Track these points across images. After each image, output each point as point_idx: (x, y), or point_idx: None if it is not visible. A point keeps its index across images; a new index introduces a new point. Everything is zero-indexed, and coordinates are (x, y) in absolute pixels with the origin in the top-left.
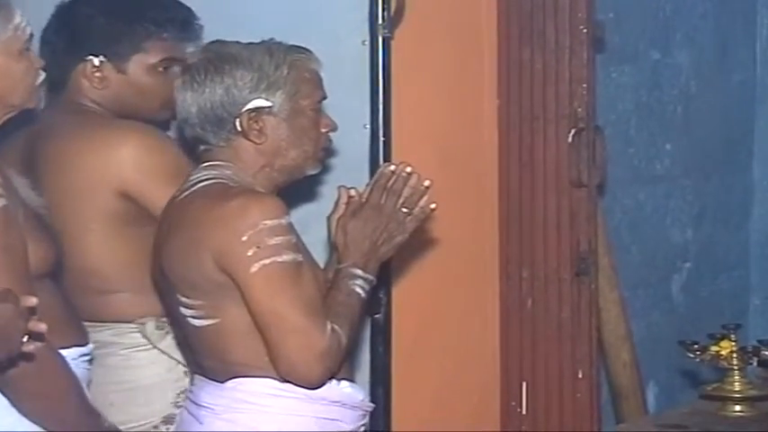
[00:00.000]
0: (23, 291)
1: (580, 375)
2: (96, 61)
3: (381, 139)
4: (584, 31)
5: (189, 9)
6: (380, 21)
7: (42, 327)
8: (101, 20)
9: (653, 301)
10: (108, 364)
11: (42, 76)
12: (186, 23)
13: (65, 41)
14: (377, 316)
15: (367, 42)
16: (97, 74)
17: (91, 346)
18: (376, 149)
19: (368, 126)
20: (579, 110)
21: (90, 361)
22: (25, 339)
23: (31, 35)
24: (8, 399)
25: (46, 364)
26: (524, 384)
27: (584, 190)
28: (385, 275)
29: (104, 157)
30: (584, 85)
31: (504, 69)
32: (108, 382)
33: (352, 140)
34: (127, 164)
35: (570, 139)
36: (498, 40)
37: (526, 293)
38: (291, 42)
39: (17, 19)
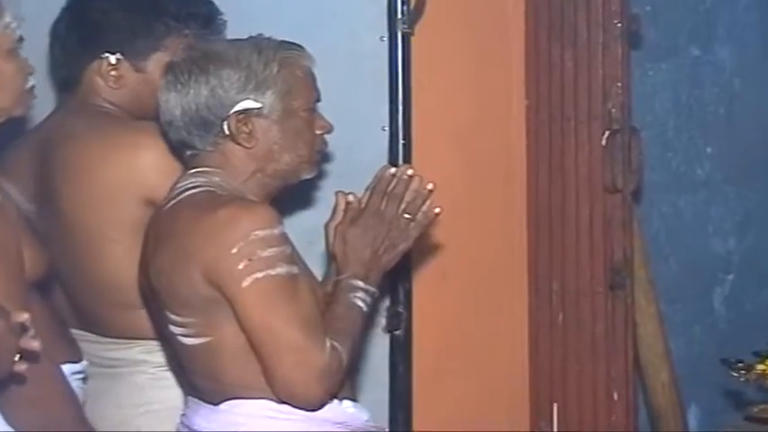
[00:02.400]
0: (18, 295)
1: (615, 397)
2: (113, 59)
3: (401, 142)
4: (619, 25)
5: (212, 3)
6: (400, 15)
7: (35, 344)
8: (118, 14)
9: (693, 316)
10: (135, 383)
11: (32, 82)
12: (209, 19)
13: (78, 37)
14: (396, 333)
15: (385, 38)
16: (113, 72)
17: (85, 363)
18: (395, 153)
19: (386, 128)
20: (613, 110)
21: (84, 379)
22: (17, 358)
23: (21, 38)
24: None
25: (44, 377)
26: (555, 406)
27: (618, 196)
28: (405, 289)
29: (126, 162)
30: (619, 84)
31: (532, 67)
32: (135, 403)
33: (369, 143)
34: (151, 169)
35: (604, 142)
36: (526, 35)
37: (557, 308)
38: (306, 39)
39: (6, 18)
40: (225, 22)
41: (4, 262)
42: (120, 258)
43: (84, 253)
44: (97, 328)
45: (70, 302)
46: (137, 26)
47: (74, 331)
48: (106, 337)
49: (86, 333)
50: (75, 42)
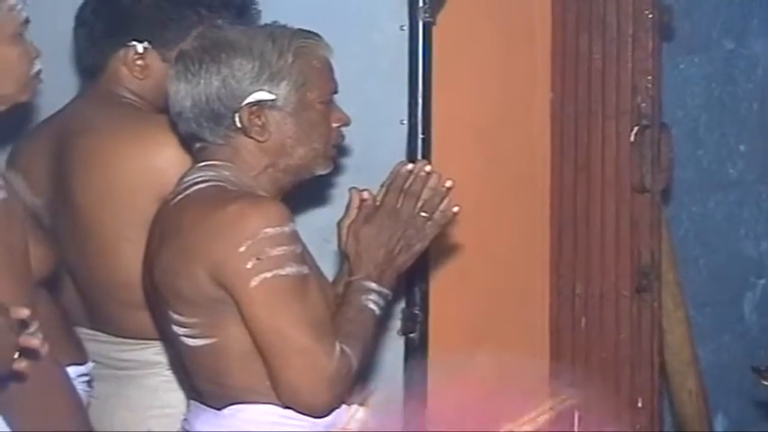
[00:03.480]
0: (24, 294)
1: (640, 405)
2: (140, 48)
3: (420, 136)
4: (650, 16)
5: None
6: (421, 3)
7: (35, 342)
8: (148, 1)
9: (723, 322)
10: (148, 386)
11: (38, 66)
12: (243, 8)
13: (105, 23)
14: (412, 335)
15: (406, 28)
16: (139, 61)
17: (90, 365)
18: (414, 148)
19: (405, 122)
20: (643, 105)
21: (89, 382)
22: (17, 356)
23: (27, 19)
24: (3, 415)
25: (48, 379)
26: (577, 414)
27: (647, 196)
28: (421, 290)
29: (144, 158)
30: (649, 78)
31: (558, 59)
32: (147, 406)
33: (387, 138)
34: (170, 166)
35: (632, 139)
36: (552, 25)
37: (580, 312)
38: (322, 28)
39: (11, 0)
40: (259, 11)
41: (9, 262)
42: (134, 257)
43: (97, 250)
44: (110, 327)
45: (83, 301)
46: (168, 15)
47: (85, 331)
48: (119, 337)
49: (98, 333)
50: (101, 29)
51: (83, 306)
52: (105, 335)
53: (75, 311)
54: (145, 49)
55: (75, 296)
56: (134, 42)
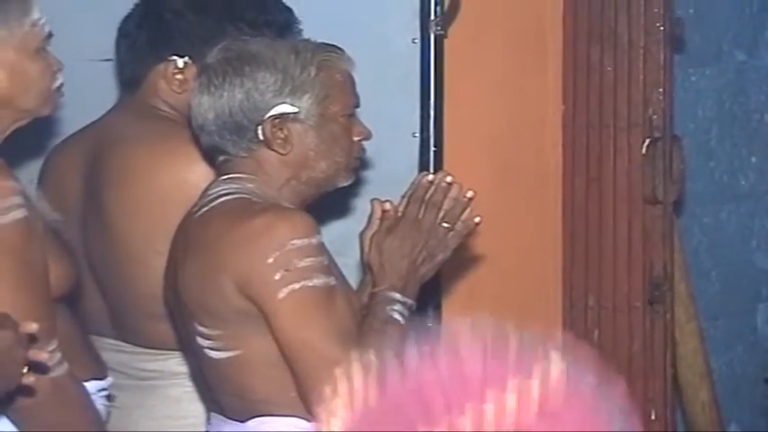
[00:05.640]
0: (44, 313)
1: (653, 417)
2: (180, 62)
3: (432, 149)
4: (661, 28)
5: (290, 10)
6: (433, 16)
7: (44, 356)
8: (192, 17)
9: (735, 334)
10: (171, 396)
11: (60, 80)
12: (286, 27)
13: (148, 37)
14: None
15: (418, 41)
16: (179, 76)
17: (110, 379)
18: (426, 160)
19: (417, 134)
20: (654, 117)
21: (108, 397)
22: (25, 370)
23: (50, 34)
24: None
25: (67, 396)
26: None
27: (659, 207)
28: (434, 302)
29: (176, 173)
30: (661, 90)
31: (569, 71)
32: (170, 416)
33: (399, 150)
34: (202, 181)
35: (644, 150)
36: (564, 38)
37: (592, 324)
38: (334, 41)
39: (35, 14)
40: (301, 30)
41: (28, 279)
42: (162, 269)
43: (126, 261)
44: (134, 337)
45: (108, 310)
46: (210, 31)
47: (109, 341)
48: (142, 347)
49: (121, 343)
50: (144, 42)
51: (108, 315)
52: (129, 345)
53: (99, 321)
54: (185, 63)
55: (101, 305)
56: (174, 57)
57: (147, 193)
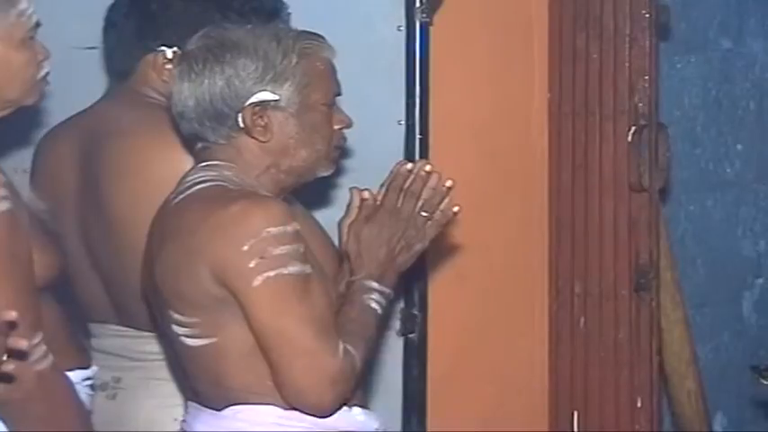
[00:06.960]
0: (29, 305)
1: (639, 404)
2: (169, 53)
3: (418, 136)
4: (647, 16)
5: None
6: (418, 4)
7: (23, 343)
8: (179, 7)
9: (721, 322)
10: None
11: (46, 69)
12: (274, 13)
13: (135, 27)
14: (411, 336)
15: (403, 28)
16: (168, 66)
17: (94, 368)
18: (411, 148)
19: (403, 122)
20: (640, 105)
21: (92, 386)
22: (5, 358)
23: (37, 24)
24: (4, 422)
25: (52, 389)
26: (575, 414)
27: (644, 195)
28: (420, 290)
29: (173, 161)
30: (646, 78)
31: (555, 59)
32: (173, 394)
33: (384, 138)
34: None
35: (630, 138)
36: (549, 25)
37: (578, 311)
38: (319, 28)
39: (22, 4)
40: (290, 15)
41: (13, 271)
42: None
43: (128, 249)
44: (137, 323)
45: (110, 298)
46: (197, 20)
47: (112, 327)
48: (145, 331)
49: (123, 328)
50: (131, 33)
51: (109, 302)
52: (131, 329)
53: (101, 308)
54: (174, 53)
55: (102, 293)
56: (163, 47)
57: (145, 182)
